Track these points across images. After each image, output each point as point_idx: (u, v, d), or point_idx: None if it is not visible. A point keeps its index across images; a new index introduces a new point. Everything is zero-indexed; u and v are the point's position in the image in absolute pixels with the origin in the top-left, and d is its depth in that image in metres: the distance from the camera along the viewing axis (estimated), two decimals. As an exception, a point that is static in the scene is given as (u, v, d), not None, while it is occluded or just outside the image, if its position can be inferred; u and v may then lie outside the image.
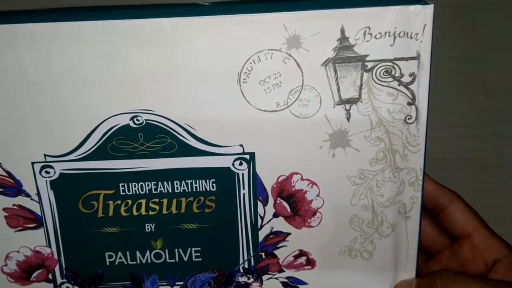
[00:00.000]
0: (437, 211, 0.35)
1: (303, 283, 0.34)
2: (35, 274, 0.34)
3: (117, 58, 0.29)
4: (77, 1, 0.37)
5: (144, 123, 0.31)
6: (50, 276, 0.34)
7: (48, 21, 0.28)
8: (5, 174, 0.31)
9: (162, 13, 0.29)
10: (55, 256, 0.33)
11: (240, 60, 0.29)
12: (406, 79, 0.30)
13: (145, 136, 0.31)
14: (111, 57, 0.29)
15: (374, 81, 0.30)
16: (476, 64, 0.39)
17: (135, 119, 0.30)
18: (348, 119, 0.30)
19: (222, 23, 0.28)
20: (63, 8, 0.29)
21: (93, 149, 0.31)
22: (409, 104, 0.30)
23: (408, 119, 0.30)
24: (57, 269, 0.34)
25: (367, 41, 0.29)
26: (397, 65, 0.29)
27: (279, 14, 0.28)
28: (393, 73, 0.29)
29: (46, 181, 0.32)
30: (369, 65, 0.29)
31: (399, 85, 0.30)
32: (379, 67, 0.29)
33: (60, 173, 0.32)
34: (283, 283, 0.34)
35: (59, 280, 0.34)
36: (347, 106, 0.30)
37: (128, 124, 0.31)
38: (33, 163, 0.31)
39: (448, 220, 0.35)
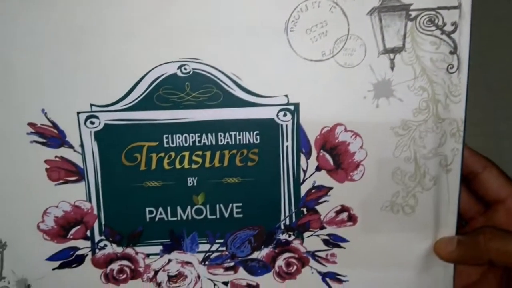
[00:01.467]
0: (470, 177, 0.36)
1: (345, 240, 0.34)
2: (72, 231, 0.33)
3: (165, 7, 0.30)
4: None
5: (191, 72, 0.31)
6: (88, 233, 0.34)
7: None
8: (50, 124, 0.32)
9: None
10: (95, 212, 0.33)
11: (288, 9, 0.31)
12: (448, 28, 0.31)
13: (192, 85, 0.32)
14: (160, 6, 0.30)
15: (418, 30, 0.31)
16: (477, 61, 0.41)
17: (182, 68, 0.31)
18: (392, 68, 0.32)
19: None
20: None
21: (139, 98, 0.32)
22: (451, 53, 0.31)
23: (450, 68, 0.32)
24: (95, 225, 0.34)
25: (411, -10, 0.30)
26: (439, 14, 0.31)
27: (326, -38, 0.30)
28: (436, 22, 0.31)
29: (91, 132, 0.32)
30: (413, 14, 0.31)
31: (441, 34, 0.31)
32: (423, 16, 0.31)
33: (105, 124, 0.32)
34: (324, 241, 0.35)
35: (97, 238, 0.34)
36: (391, 56, 0.32)
37: (176, 73, 0.31)
38: (78, 112, 0.32)
39: (482, 186, 0.36)
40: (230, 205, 0.34)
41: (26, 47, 0.30)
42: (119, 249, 0.34)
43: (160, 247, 0.34)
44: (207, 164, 0.33)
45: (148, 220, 0.34)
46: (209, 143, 0.33)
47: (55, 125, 0.32)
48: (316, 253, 0.35)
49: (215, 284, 0.35)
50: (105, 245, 0.34)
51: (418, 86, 0.32)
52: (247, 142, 0.33)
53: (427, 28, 0.31)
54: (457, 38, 0.31)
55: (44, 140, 0.32)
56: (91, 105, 0.32)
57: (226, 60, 0.31)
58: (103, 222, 0.34)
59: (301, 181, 0.34)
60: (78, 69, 0.31)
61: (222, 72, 0.32)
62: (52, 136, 0.32)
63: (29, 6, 0.30)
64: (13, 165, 0.32)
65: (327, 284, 0.35)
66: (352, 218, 0.34)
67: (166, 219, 0.34)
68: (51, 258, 0.34)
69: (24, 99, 0.31)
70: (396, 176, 0.33)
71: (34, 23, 0.30)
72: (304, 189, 0.34)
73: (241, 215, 0.34)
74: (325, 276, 0.35)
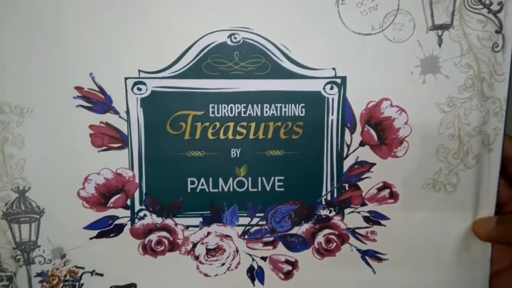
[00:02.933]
0: (506, 162, 0.37)
1: (385, 218, 0.35)
2: (113, 199, 0.34)
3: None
4: None
5: (241, 41, 0.32)
6: (128, 202, 0.34)
7: None
8: (97, 88, 0.32)
9: None
10: (136, 180, 0.33)
11: (340, -19, 0.32)
12: (494, 7, 0.32)
13: (241, 55, 0.32)
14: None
15: (466, 8, 0.32)
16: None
17: (232, 37, 0.32)
18: (439, 44, 0.33)
19: None
20: None
21: (188, 66, 0.32)
22: (496, 32, 0.33)
23: (495, 47, 0.33)
24: (136, 194, 0.34)
25: (460, -32, 0.32)
26: (487, -8, 0.32)
27: None
28: (483, 0, 0.32)
29: (137, 98, 0.33)
30: (462, -9, 0.32)
31: (488, 12, 0.32)
32: (471, -6, 0.32)
33: (152, 91, 0.33)
34: (365, 218, 0.35)
35: (137, 207, 0.34)
36: (439, 32, 0.33)
37: (225, 42, 0.32)
38: (126, 78, 0.32)
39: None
40: (272, 178, 0.34)
41: (78, 11, 0.31)
42: (158, 220, 0.34)
43: (200, 219, 0.34)
44: (251, 136, 0.34)
45: (189, 190, 0.34)
46: (255, 114, 0.33)
47: (102, 90, 0.32)
48: (356, 230, 0.35)
49: (253, 259, 0.35)
50: (145, 215, 0.34)
51: (464, 63, 0.33)
52: (292, 114, 0.34)
53: (474, 6, 0.32)
54: (503, 17, 0.32)
55: (90, 105, 0.32)
56: (139, 71, 0.32)
57: (276, 31, 0.32)
58: (144, 191, 0.34)
59: (344, 156, 0.34)
60: (128, 34, 0.32)
61: (272, 43, 0.32)
62: (98, 101, 0.32)
63: None
64: (58, 129, 0.32)
65: (366, 262, 0.35)
66: (393, 196, 0.35)
67: (207, 190, 0.34)
68: (89, 227, 0.34)
69: (73, 61, 0.32)
70: (440, 153, 0.34)
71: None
72: (347, 164, 0.34)
73: (282, 189, 0.34)
74: (364, 254, 0.35)
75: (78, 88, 0.32)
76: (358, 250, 0.35)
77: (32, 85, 0.32)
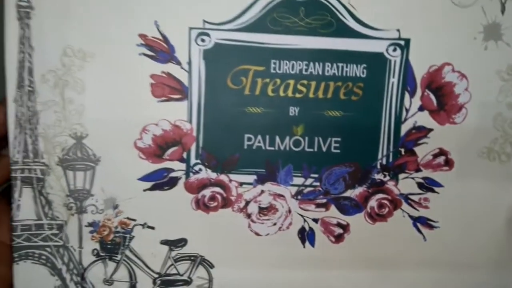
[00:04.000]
0: None
1: (439, 185, 0.35)
2: (169, 151, 0.34)
3: None
4: None
5: (308, -3, 0.32)
6: (184, 155, 0.34)
7: None
8: (161, 37, 0.32)
9: None
10: (194, 133, 0.34)
11: None
12: (561, -23, 0.33)
13: (306, 11, 0.33)
14: None
15: (532, -24, 0.33)
16: None
17: (300, -8, 0.32)
18: (502, 12, 0.33)
19: None
20: None
21: (253, 19, 0.33)
22: (561, 2, 0.33)
23: (558, 17, 0.33)
24: (193, 148, 0.34)
25: None
26: (555, -39, 0.33)
27: None
28: (550, -31, 0.33)
29: (200, 49, 0.33)
30: (529, -41, 0.33)
31: (554, -18, 0.33)
32: (538, -38, 0.33)
33: (215, 43, 0.33)
34: (418, 184, 0.35)
35: (192, 161, 0.34)
36: (503, 0, 0.33)
37: (292, -3, 0.32)
38: (190, 28, 0.32)
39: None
40: (329, 139, 0.35)
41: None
42: (213, 175, 0.34)
43: (254, 177, 0.35)
44: (311, 95, 0.34)
45: (245, 147, 0.34)
46: (316, 73, 0.34)
47: (165, 39, 0.32)
48: (410, 196, 0.35)
49: (305, 220, 0.35)
50: (200, 169, 0.34)
51: (526, 32, 0.34)
52: (354, 75, 0.34)
53: (541, -26, 0.33)
54: None
55: (153, 54, 0.32)
56: (204, 21, 0.32)
57: (344, -12, 0.33)
58: (200, 145, 0.34)
59: (403, 120, 0.34)
60: (195, -17, 0.32)
61: (339, 1, 0.33)
62: (161, 50, 0.32)
63: None
64: (118, 76, 0.32)
65: (418, 229, 0.36)
66: (448, 163, 0.35)
67: (263, 147, 0.34)
68: (144, 178, 0.34)
69: (139, 8, 0.32)
70: (497, 121, 0.35)
71: None
72: (404, 128, 0.35)
73: (338, 151, 0.35)
74: (416, 220, 0.36)
75: (142, 36, 0.32)
76: (410, 216, 0.36)
77: (96, 29, 0.32)
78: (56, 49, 0.32)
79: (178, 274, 0.36)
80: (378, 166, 0.35)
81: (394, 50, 0.34)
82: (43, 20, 0.31)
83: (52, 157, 0.33)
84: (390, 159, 0.35)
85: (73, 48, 0.32)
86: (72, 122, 0.33)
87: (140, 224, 0.35)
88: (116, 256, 0.35)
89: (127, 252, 0.35)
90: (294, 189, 0.35)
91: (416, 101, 0.35)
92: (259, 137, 0.34)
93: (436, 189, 0.36)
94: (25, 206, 0.33)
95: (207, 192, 0.35)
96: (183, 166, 0.34)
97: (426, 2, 0.33)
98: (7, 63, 0.31)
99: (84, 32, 0.32)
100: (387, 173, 0.35)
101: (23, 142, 0.32)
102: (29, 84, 0.32)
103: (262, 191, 0.35)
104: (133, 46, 0.32)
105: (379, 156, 0.35)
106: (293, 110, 0.34)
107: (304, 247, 0.36)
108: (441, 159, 0.35)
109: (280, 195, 0.35)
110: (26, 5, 0.31)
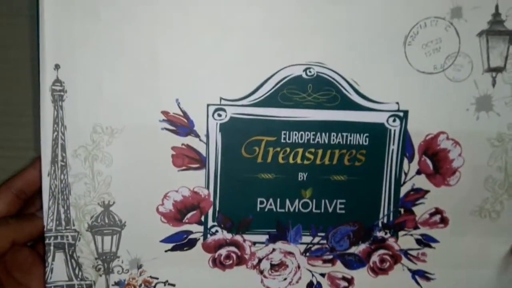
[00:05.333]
0: None
1: (435, 241, 0.39)
2: (188, 215, 0.37)
3: (299, 13, 0.35)
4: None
5: (315, 75, 0.36)
6: (202, 218, 0.37)
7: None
8: (181, 113, 0.36)
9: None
10: (211, 198, 0.37)
11: (409, 24, 0.36)
12: (545, 54, 0.37)
13: (314, 87, 0.36)
14: (302, 9, 0.35)
15: (519, 53, 0.36)
16: None
17: (307, 71, 0.36)
18: (493, 85, 0.37)
19: (400, -12, 0.35)
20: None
21: (265, 96, 0.36)
22: (544, 76, 0.37)
23: (543, 90, 0.37)
24: (210, 211, 0.37)
25: (516, 18, 0.36)
26: (539, 40, 0.36)
27: (448, -13, 0.35)
28: (535, 47, 0.36)
29: (217, 123, 0.36)
30: (516, 39, 0.36)
31: (539, 59, 0.37)
32: (524, 41, 0.36)
33: (231, 117, 0.36)
34: (416, 240, 0.39)
35: (210, 223, 0.38)
36: (494, 74, 0.37)
37: (301, 75, 0.36)
38: (208, 105, 0.36)
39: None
40: (335, 201, 0.38)
41: (172, 40, 0.35)
42: (228, 236, 0.38)
43: (266, 236, 0.38)
44: (317, 161, 0.38)
45: (258, 209, 0.38)
46: (322, 142, 0.37)
47: (185, 115, 0.36)
48: (409, 251, 0.39)
49: (313, 275, 0.39)
50: (216, 231, 0.38)
51: (514, 103, 0.37)
52: (357, 143, 0.37)
53: (527, 52, 0.37)
54: (552, 63, 0.37)
55: (174, 128, 0.36)
56: (221, 98, 0.36)
57: (347, 66, 0.36)
58: (217, 209, 0.38)
59: (402, 182, 0.38)
60: (213, 64, 0.35)
61: (343, 77, 0.36)
62: (181, 125, 0.36)
63: (176, 2, 0.34)
64: (143, 149, 0.36)
65: (416, 281, 0.40)
66: (444, 221, 0.39)
67: (274, 210, 0.38)
68: (165, 240, 0.37)
69: (162, 88, 0.36)
70: (488, 183, 0.38)
71: (180, 17, 0.35)
72: (403, 190, 0.38)
73: (343, 211, 0.38)
74: (415, 273, 0.40)
75: (164, 113, 0.36)
76: (409, 269, 0.40)
77: (123, 108, 0.36)
78: (86, 127, 0.35)
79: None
80: (380, 225, 0.39)
81: (394, 120, 0.37)
82: (75, 101, 0.35)
83: (82, 224, 0.36)
84: (391, 218, 0.39)
85: (102, 125, 0.36)
86: (100, 192, 0.36)
87: (162, 282, 0.38)
88: (140, 310, 0.39)
89: (150, 307, 0.39)
90: (303, 247, 0.39)
91: (414, 166, 0.38)
92: (271, 200, 0.38)
93: (432, 244, 0.39)
94: (57, 269, 0.37)
95: (223, 251, 0.38)
96: (201, 228, 0.38)
97: (422, 77, 0.37)
98: (42, 141, 0.35)
99: (112, 111, 0.36)
100: (388, 231, 0.39)
101: (56, 211, 0.36)
102: (61, 159, 0.35)
103: (274, 249, 0.39)
104: (156, 122, 0.36)
105: (381, 215, 0.39)
106: (301, 176, 0.38)
107: (312, 299, 0.40)
108: (437, 217, 0.39)
109: (290, 253, 0.39)
110: (60, 88, 0.35)
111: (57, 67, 0.35)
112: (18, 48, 0.45)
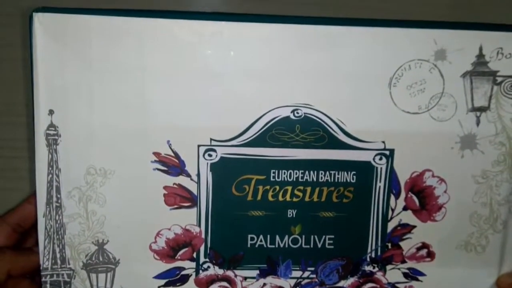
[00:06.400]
0: None
1: (422, 274, 0.41)
2: (181, 252, 0.39)
3: (286, 57, 0.36)
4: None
5: (302, 116, 0.38)
6: (194, 255, 0.39)
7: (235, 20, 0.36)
8: (172, 154, 0.37)
9: (329, 21, 0.36)
10: (202, 236, 0.39)
11: (393, 67, 0.37)
12: (527, 93, 0.38)
13: (302, 127, 0.38)
14: (282, 56, 0.36)
15: (502, 93, 0.38)
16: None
17: (295, 112, 0.37)
18: (477, 124, 0.38)
19: (384, 33, 0.36)
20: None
21: (254, 136, 0.38)
22: (527, 115, 0.38)
23: (526, 128, 0.39)
24: (202, 248, 0.39)
25: (499, 59, 0.37)
26: (522, 81, 0.38)
27: (431, 31, 0.36)
28: (517, 87, 0.38)
29: (207, 163, 0.38)
30: (499, 79, 0.38)
31: (521, 98, 0.38)
32: (507, 82, 0.38)
33: (221, 157, 0.38)
34: (404, 274, 0.41)
35: (201, 260, 0.39)
36: (478, 113, 0.38)
37: (289, 116, 0.38)
38: (199, 145, 0.37)
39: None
40: (324, 236, 0.40)
41: (161, 85, 0.36)
42: (220, 271, 0.39)
43: (257, 272, 0.40)
44: (306, 198, 0.39)
45: (249, 246, 0.39)
46: (311, 180, 0.39)
47: (177, 156, 0.37)
48: (396, 285, 0.41)
49: (303, 309, 0.40)
50: (208, 267, 0.39)
51: (498, 141, 0.39)
52: (344, 181, 0.39)
53: (509, 92, 0.38)
54: (534, 102, 0.38)
55: (166, 168, 0.38)
56: (211, 139, 0.37)
57: (334, 107, 0.38)
58: (209, 245, 0.39)
59: (389, 218, 0.40)
60: (203, 107, 0.37)
61: (330, 118, 0.38)
62: (173, 165, 0.38)
63: (165, 50, 0.36)
64: (135, 189, 0.38)
65: (404, 313, 0.41)
66: (430, 255, 0.40)
67: (265, 246, 0.39)
68: (158, 277, 0.39)
69: (153, 130, 0.37)
70: (473, 218, 0.40)
71: (169, 65, 0.36)
72: (390, 226, 0.40)
73: (332, 246, 0.40)
74: (402, 306, 0.41)
75: (156, 154, 0.37)
76: (397, 302, 0.41)
77: (116, 150, 0.37)
78: (80, 169, 0.37)
79: None
80: (368, 259, 0.40)
81: (380, 159, 0.39)
82: (69, 144, 0.37)
83: (77, 262, 0.38)
84: (379, 253, 0.40)
85: (95, 167, 0.37)
86: (95, 231, 0.38)
87: (156, 317, 0.40)
88: None
89: None
90: (293, 281, 0.40)
91: (401, 202, 0.40)
92: (261, 236, 0.40)
93: (419, 277, 0.41)
94: (53, 305, 0.38)
95: (215, 287, 0.40)
96: (193, 264, 0.39)
97: (408, 118, 0.38)
98: (38, 183, 0.37)
99: (105, 153, 0.37)
100: (376, 265, 0.41)
101: (51, 250, 0.37)
102: (56, 201, 0.37)
103: (265, 284, 0.40)
104: (148, 163, 0.37)
105: (369, 250, 0.40)
106: (291, 212, 0.39)
107: (302, 332, 0.41)
108: (424, 251, 0.40)
109: (281, 287, 0.40)
110: (54, 133, 0.36)
111: (51, 112, 0.36)
112: (15, 48, 0.46)
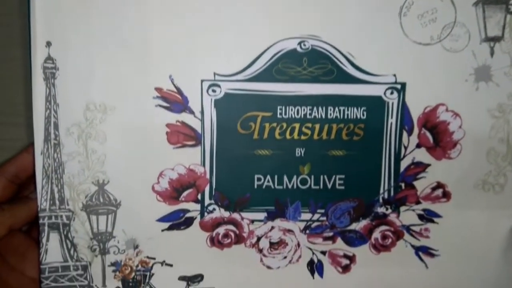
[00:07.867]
0: None
1: (438, 216, 0.40)
2: (184, 193, 0.38)
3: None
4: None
5: (310, 48, 0.37)
6: (199, 196, 0.38)
7: None
8: (175, 89, 0.37)
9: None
10: (207, 176, 0.38)
11: (404, -5, 0.36)
12: (543, 22, 0.37)
13: (309, 61, 0.37)
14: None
15: (516, 22, 0.37)
16: None
17: (302, 44, 0.37)
18: (491, 55, 0.37)
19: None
20: None
21: (259, 70, 0.37)
22: (544, 44, 0.37)
23: (543, 58, 0.38)
24: (206, 189, 0.38)
25: (512, -14, 0.36)
26: (537, 8, 0.37)
27: (442, -45, 0.36)
28: (533, 15, 0.37)
29: (211, 99, 0.37)
30: (513, 7, 0.37)
31: (537, 26, 0.37)
32: (522, 9, 0.37)
33: (225, 93, 0.37)
34: (419, 215, 0.39)
35: (206, 201, 0.38)
36: (491, 44, 0.37)
37: (295, 49, 0.37)
38: (202, 80, 0.37)
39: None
40: (334, 176, 0.39)
41: (164, 18, 0.36)
42: (226, 214, 0.38)
43: (265, 214, 0.39)
44: (315, 136, 0.38)
45: (256, 187, 0.38)
46: (319, 116, 0.38)
47: (179, 91, 0.37)
48: (411, 227, 0.40)
49: (313, 253, 0.39)
50: (214, 209, 0.38)
51: (514, 73, 0.38)
52: (354, 117, 0.38)
53: (525, 20, 0.37)
54: (550, 31, 0.37)
55: (168, 105, 0.37)
56: (215, 74, 0.37)
57: (343, 39, 0.37)
58: (214, 187, 0.38)
59: (402, 156, 0.39)
60: (205, 39, 0.36)
61: (338, 50, 0.37)
62: (175, 102, 0.37)
63: None
64: (137, 127, 0.37)
65: (420, 257, 0.40)
66: (446, 195, 0.39)
67: (272, 187, 0.38)
68: (162, 219, 0.38)
69: (155, 65, 0.36)
70: (490, 155, 0.39)
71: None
72: (403, 164, 0.39)
73: (343, 187, 0.39)
74: (418, 250, 0.40)
75: (158, 89, 0.37)
76: (412, 246, 0.40)
77: (116, 85, 0.36)
78: (79, 105, 0.36)
79: (196, 307, 0.40)
80: (381, 200, 0.39)
81: (392, 93, 0.38)
82: (67, 79, 0.36)
83: (77, 203, 0.37)
84: (392, 193, 0.39)
85: (95, 103, 0.36)
86: (95, 170, 0.37)
87: (159, 262, 0.39)
88: (137, 293, 0.39)
89: (148, 289, 0.39)
90: (302, 224, 0.39)
91: (414, 139, 0.39)
92: (268, 177, 0.39)
93: (435, 219, 0.40)
94: (52, 250, 0.37)
95: (221, 230, 0.39)
96: (198, 206, 0.38)
97: (420, 49, 0.37)
98: (35, 119, 0.36)
99: (105, 88, 0.36)
100: (389, 206, 0.39)
101: (50, 190, 0.36)
102: (54, 138, 0.36)
103: (273, 227, 0.39)
104: (150, 99, 0.37)
105: (381, 190, 0.39)
106: (299, 151, 0.38)
107: (313, 278, 0.40)
108: (439, 191, 0.39)
109: (290, 230, 0.39)
110: (52, 66, 0.35)
111: (48, 44, 0.36)
112: (14, 48, 0.46)
